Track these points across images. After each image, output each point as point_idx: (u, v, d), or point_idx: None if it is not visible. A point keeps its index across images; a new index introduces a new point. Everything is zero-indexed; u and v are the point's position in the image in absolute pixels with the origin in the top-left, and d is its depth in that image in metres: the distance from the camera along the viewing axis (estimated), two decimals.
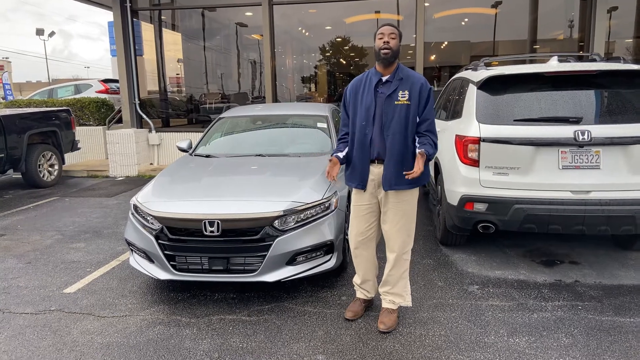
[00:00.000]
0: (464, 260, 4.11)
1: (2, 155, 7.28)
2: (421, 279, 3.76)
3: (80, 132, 10.31)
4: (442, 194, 4.26)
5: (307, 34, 11.96)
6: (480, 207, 3.70)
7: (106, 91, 13.40)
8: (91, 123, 10.91)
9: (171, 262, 3.34)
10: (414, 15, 8.73)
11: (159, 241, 3.35)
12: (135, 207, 3.60)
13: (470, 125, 3.78)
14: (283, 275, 3.29)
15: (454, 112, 4.44)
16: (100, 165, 9.57)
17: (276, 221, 3.27)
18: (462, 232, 4.16)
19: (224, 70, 11.95)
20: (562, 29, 10.28)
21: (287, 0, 9.20)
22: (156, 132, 9.55)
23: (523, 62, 7.33)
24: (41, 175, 8.03)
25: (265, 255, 3.24)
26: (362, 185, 2.97)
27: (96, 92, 13.34)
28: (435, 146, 2.87)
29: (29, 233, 5.38)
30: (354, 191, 3.10)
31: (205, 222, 3.23)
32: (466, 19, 11.02)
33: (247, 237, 3.26)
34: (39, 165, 8.01)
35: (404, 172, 2.79)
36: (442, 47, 10.39)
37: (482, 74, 3.95)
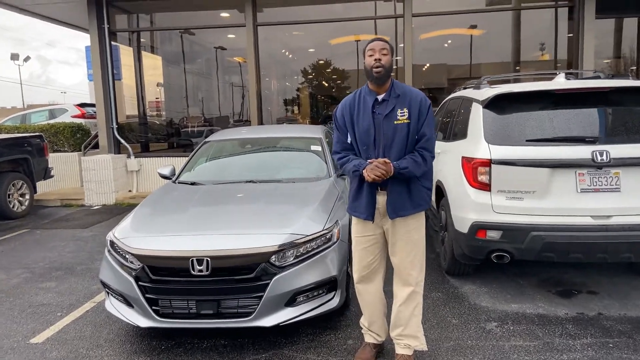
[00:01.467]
0: (475, 293, 3.79)
1: None
2: (432, 315, 3.41)
3: (55, 159, 9.78)
4: (447, 220, 3.96)
5: (290, 56, 11.80)
6: (494, 234, 3.41)
7: (82, 115, 12.89)
8: (66, 149, 10.38)
9: (153, 307, 2.93)
10: (399, 37, 8.62)
11: (139, 283, 2.94)
12: (112, 244, 3.20)
13: (478, 146, 3.51)
14: (282, 319, 2.91)
15: (455, 132, 4.18)
16: (75, 194, 9.04)
17: (273, 257, 2.91)
18: (472, 262, 3.85)
19: (205, 93, 11.64)
20: (546, 50, 10.31)
21: (272, 22, 9.01)
22: (135, 157, 9.10)
23: (513, 80, 7.22)
24: (11, 206, 7.48)
25: (262, 296, 2.86)
26: (371, 217, 2.65)
27: (72, 116, 12.82)
28: (421, 164, 2.54)
29: None
30: (356, 221, 2.77)
31: (192, 260, 2.85)
32: (449, 41, 11.04)
33: (240, 276, 2.88)
34: (9, 195, 7.47)
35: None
36: (423, 69, 10.31)
37: (488, 92, 3.71)
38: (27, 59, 36.18)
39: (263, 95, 9.77)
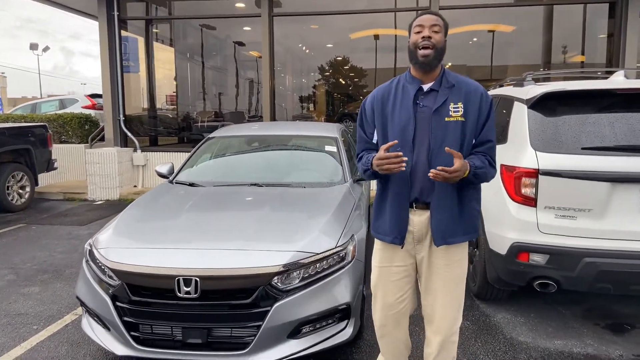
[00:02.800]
0: (511, 323, 3.26)
1: None
2: (462, 352, 2.89)
3: (61, 150, 9.47)
4: (480, 237, 3.43)
5: (307, 51, 11.34)
6: (539, 258, 2.87)
7: (93, 106, 12.60)
8: (73, 140, 10.07)
9: (132, 332, 2.47)
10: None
11: (117, 303, 2.48)
12: (91, 254, 2.75)
13: (523, 153, 2.98)
14: (284, 354, 2.42)
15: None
16: (79, 187, 8.68)
17: (276, 278, 2.42)
18: (508, 288, 3.32)
19: (221, 88, 11.26)
20: (577, 51, 9.63)
21: (288, 12, 8.52)
22: (142, 151, 8.71)
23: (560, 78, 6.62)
24: (9, 199, 7.13)
25: (260, 325, 2.38)
26: (400, 240, 2.09)
27: (82, 107, 12.54)
28: (489, 170, 2.02)
29: None
30: (380, 246, 2.21)
31: (179, 280, 2.38)
32: (474, 39, 10.44)
33: (235, 301, 2.40)
34: (8, 187, 7.12)
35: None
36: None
37: (533, 90, 3.17)
38: (46, 49, 36.25)
39: (278, 92, 9.32)
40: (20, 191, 7.41)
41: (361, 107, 2.22)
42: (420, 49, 1.96)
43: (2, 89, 20.34)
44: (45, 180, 8.98)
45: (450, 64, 9.54)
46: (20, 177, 7.39)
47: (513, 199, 2.98)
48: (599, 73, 4.58)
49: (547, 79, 3.55)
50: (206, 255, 2.48)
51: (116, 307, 2.48)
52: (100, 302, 2.53)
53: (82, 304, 2.71)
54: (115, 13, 8.47)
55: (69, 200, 8.17)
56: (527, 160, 2.91)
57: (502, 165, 3.12)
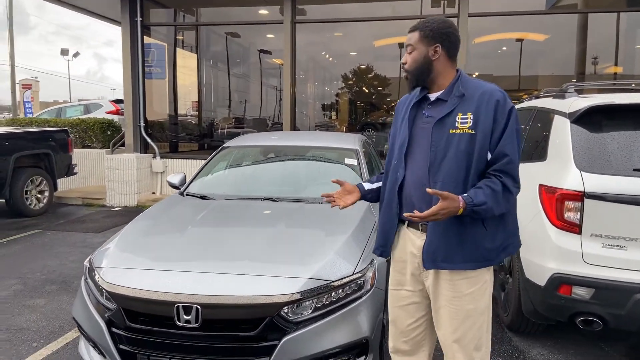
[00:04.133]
0: None
1: None
2: None
3: (83, 155, 9.49)
4: (514, 262, 3.12)
5: (330, 59, 11.15)
6: (583, 292, 2.55)
7: (117, 112, 12.67)
8: (95, 145, 10.09)
9: None
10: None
11: (113, 329, 2.28)
12: (90, 272, 2.56)
13: (566, 172, 2.67)
14: None
15: (529, 152, 3.34)
16: (98, 193, 8.64)
17: (285, 309, 2.17)
18: (545, 322, 2.99)
19: (244, 95, 11.17)
20: (611, 61, 9.13)
21: (311, 19, 8.35)
22: (161, 158, 8.63)
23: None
24: (28, 203, 7.12)
25: None
26: (384, 252, 1.98)
27: (106, 112, 12.62)
28: (501, 196, 1.72)
29: None
30: (392, 267, 2.03)
31: (178, 307, 2.16)
32: (504, 47, 10.07)
33: (240, 333, 2.16)
34: (26, 191, 7.10)
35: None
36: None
37: (578, 102, 2.86)
38: (76, 54, 37.17)
39: (300, 100, 9.14)
40: (39, 196, 7.38)
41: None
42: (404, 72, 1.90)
43: (34, 92, 20.79)
44: (65, 185, 8.99)
45: (477, 73, 9.21)
46: (39, 181, 7.37)
47: (554, 224, 2.67)
48: (632, 85, 4.19)
49: (580, 91, 3.22)
50: (209, 280, 2.24)
51: (111, 334, 2.27)
52: (95, 327, 2.33)
53: (78, 326, 2.52)
54: (139, 19, 8.44)
55: (87, 206, 8.13)
56: (571, 181, 2.60)
57: (541, 186, 2.81)
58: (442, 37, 1.80)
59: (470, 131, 1.75)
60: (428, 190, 1.69)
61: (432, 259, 1.80)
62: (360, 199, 2.09)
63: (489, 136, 1.74)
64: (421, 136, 1.85)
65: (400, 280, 1.98)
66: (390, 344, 2.07)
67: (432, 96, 1.86)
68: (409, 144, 1.88)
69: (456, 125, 1.77)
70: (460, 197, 1.68)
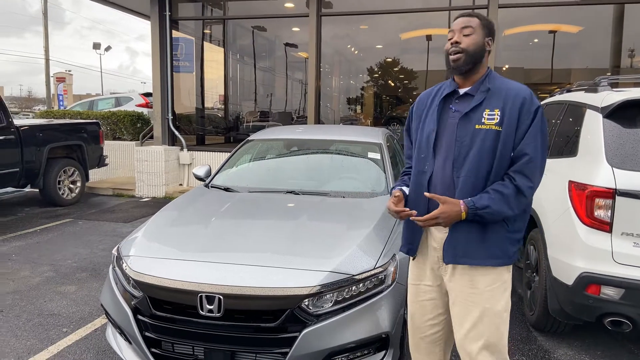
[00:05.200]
0: None
1: (18, 169, 6.63)
2: None
3: (114, 147, 9.74)
4: (540, 260, 3.05)
5: (356, 52, 11.07)
6: (612, 293, 2.48)
7: (146, 105, 12.94)
8: (125, 138, 10.34)
9: (153, 349, 2.32)
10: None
11: (138, 316, 2.34)
12: (118, 260, 2.63)
13: (596, 169, 2.59)
14: None
15: (557, 147, 3.25)
16: (128, 184, 8.86)
17: (306, 301, 2.19)
18: (572, 321, 2.91)
19: (269, 88, 11.23)
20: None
21: (336, 12, 8.30)
22: (188, 150, 8.77)
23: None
24: (60, 193, 7.36)
25: (288, 353, 2.16)
26: (411, 249, 1.96)
27: (136, 105, 12.91)
28: (512, 199, 1.71)
29: (21, 265, 4.56)
30: (412, 261, 2.02)
31: (201, 297, 2.20)
32: (535, 40, 9.77)
33: (261, 324, 2.19)
34: (59, 181, 7.34)
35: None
36: (501, 72, 9.15)
37: (611, 96, 2.76)
38: (107, 48, 38.01)
39: (325, 93, 9.12)
40: (72, 186, 7.62)
41: (409, 111, 2.07)
42: (450, 55, 1.83)
43: (68, 85, 21.43)
44: (97, 175, 9.26)
45: (507, 66, 8.98)
46: (72, 172, 7.60)
47: (583, 222, 2.59)
48: None
49: (615, 84, 3.10)
50: (231, 271, 2.28)
51: (137, 321, 2.33)
52: (122, 314, 2.40)
53: (106, 313, 2.60)
54: (167, 13, 8.56)
55: (118, 196, 8.35)
56: (602, 177, 2.52)
57: (570, 182, 2.73)
58: (492, 33, 1.85)
59: (496, 127, 1.74)
60: (426, 194, 1.75)
61: (453, 253, 1.80)
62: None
63: (513, 134, 1.73)
64: (448, 130, 1.84)
65: (419, 275, 1.98)
66: (410, 342, 2.07)
67: (462, 91, 1.85)
68: (436, 137, 1.86)
69: (482, 121, 1.76)
70: (461, 201, 1.70)
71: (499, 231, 1.77)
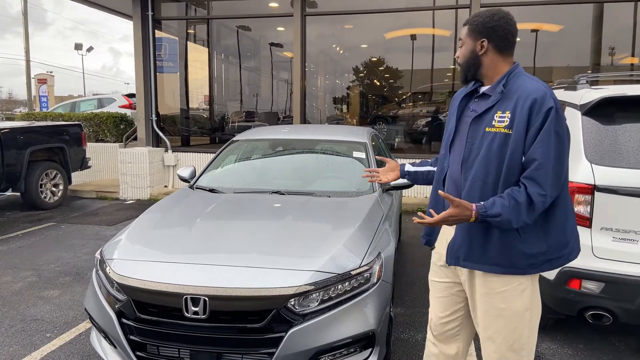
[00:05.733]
0: (557, 355, 2.91)
1: None
2: None
3: (96, 149, 9.62)
4: None
5: (341, 52, 11.09)
6: (592, 286, 2.53)
7: (129, 106, 12.80)
8: (109, 139, 10.22)
9: (137, 353, 2.30)
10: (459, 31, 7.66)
11: (123, 320, 2.32)
12: (101, 264, 2.60)
13: (576, 166, 2.63)
14: None
15: None
16: (112, 186, 8.76)
17: (292, 301, 2.19)
18: (555, 316, 2.97)
19: (255, 88, 11.18)
20: (628, 52, 8.92)
21: (321, 12, 8.31)
22: (173, 151, 8.70)
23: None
24: (42, 196, 7.24)
25: (274, 353, 2.16)
26: (430, 240, 2.02)
27: (119, 106, 12.76)
28: (524, 208, 1.61)
29: (3, 271, 4.48)
30: (432, 255, 2.04)
31: (186, 299, 2.19)
32: (517, 39, 9.89)
33: (246, 324, 2.19)
34: (41, 185, 7.22)
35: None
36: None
37: (589, 94, 2.82)
38: (89, 49, 37.49)
39: (311, 93, 9.11)
40: (54, 189, 7.50)
41: None
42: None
43: (49, 87, 21.10)
44: (79, 178, 9.13)
45: None
46: (54, 175, 7.49)
47: None
48: None
49: (595, 82, 3.17)
50: (216, 272, 2.27)
51: (122, 324, 2.31)
52: (106, 318, 2.37)
53: (90, 317, 2.57)
54: (150, 13, 8.49)
55: (101, 199, 8.25)
56: (581, 174, 2.57)
57: None
58: (489, 31, 1.74)
59: (506, 131, 1.66)
60: (440, 192, 1.68)
61: (455, 255, 1.80)
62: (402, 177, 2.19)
63: (523, 138, 1.64)
64: (463, 130, 1.83)
65: (437, 271, 1.99)
66: (429, 332, 2.08)
67: (482, 90, 1.82)
68: (454, 136, 1.88)
69: (492, 123, 1.70)
70: (473, 205, 1.64)
71: (506, 237, 1.69)
